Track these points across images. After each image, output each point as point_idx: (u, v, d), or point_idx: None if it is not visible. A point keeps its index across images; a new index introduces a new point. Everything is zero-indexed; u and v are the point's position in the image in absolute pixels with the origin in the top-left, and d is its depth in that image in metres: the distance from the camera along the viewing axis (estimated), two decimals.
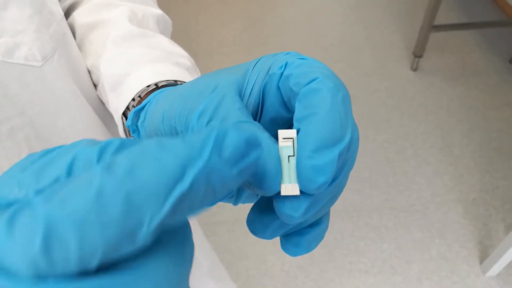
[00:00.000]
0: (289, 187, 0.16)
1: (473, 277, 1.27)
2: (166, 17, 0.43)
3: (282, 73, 0.19)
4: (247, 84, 0.20)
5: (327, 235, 1.36)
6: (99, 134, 0.39)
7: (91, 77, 0.39)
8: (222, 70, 0.21)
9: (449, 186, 1.49)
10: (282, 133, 0.17)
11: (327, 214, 0.20)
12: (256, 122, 0.18)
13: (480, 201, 1.45)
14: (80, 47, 0.39)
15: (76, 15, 0.39)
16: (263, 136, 0.17)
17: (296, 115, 0.18)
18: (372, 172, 1.53)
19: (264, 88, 0.20)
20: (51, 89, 0.33)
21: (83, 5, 0.40)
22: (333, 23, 2.10)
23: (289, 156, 0.17)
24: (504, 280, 1.27)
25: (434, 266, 1.31)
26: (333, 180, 0.17)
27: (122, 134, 0.34)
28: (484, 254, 1.31)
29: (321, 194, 0.17)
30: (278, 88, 0.19)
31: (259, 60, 0.20)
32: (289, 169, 0.17)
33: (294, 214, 0.17)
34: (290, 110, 0.20)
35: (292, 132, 0.17)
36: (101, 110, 0.41)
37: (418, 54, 1.82)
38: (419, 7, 2.13)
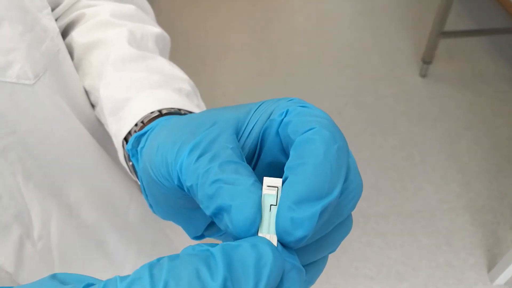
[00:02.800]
0: (267, 237, 0.16)
1: (481, 285, 1.26)
2: (165, 34, 0.43)
3: (283, 120, 0.19)
4: (247, 125, 0.20)
5: None
6: (91, 152, 0.39)
7: (88, 97, 0.39)
8: (225, 108, 0.21)
9: (457, 192, 1.48)
10: (267, 180, 0.17)
11: (316, 265, 0.19)
12: (245, 164, 0.18)
13: (488, 209, 1.43)
14: (77, 67, 0.39)
15: (74, 34, 0.39)
16: (247, 181, 0.17)
17: (287, 164, 0.17)
18: (379, 177, 1.53)
19: (264, 132, 0.19)
20: (42, 108, 0.32)
21: (82, 24, 0.39)
22: (342, 29, 2.11)
23: (271, 205, 0.16)
24: None
25: (441, 273, 1.30)
26: (316, 234, 0.17)
27: (121, 158, 0.34)
28: (492, 262, 1.30)
29: (303, 248, 0.17)
30: (278, 134, 0.19)
31: (262, 103, 0.20)
32: (269, 219, 0.16)
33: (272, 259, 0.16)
34: (288, 157, 0.19)
35: (277, 181, 0.17)
36: (98, 129, 0.40)
37: (427, 60, 1.82)
38: (428, 13, 2.13)
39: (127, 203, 0.44)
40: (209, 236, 0.25)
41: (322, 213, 0.16)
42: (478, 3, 2.28)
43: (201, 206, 0.18)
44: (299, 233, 0.15)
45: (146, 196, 0.25)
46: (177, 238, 0.52)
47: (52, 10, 0.38)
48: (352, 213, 0.20)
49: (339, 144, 0.17)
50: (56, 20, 0.39)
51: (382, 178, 1.53)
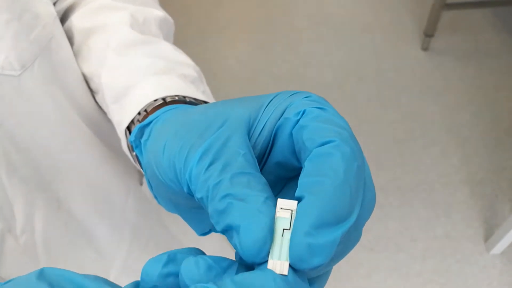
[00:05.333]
0: (278, 264, 0.15)
1: (477, 255, 1.29)
2: (169, 18, 0.41)
3: (298, 120, 0.18)
4: (258, 122, 0.19)
5: None
6: (87, 145, 0.37)
7: (88, 84, 0.37)
8: (234, 101, 0.20)
9: (457, 166, 1.49)
10: (281, 203, 0.16)
11: (322, 278, 0.18)
12: (258, 175, 0.17)
13: (487, 182, 1.45)
14: (77, 52, 0.37)
15: (74, 19, 0.37)
16: (259, 198, 0.16)
17: (302, 178, 0.16)
18: (380, 151, 1.54)
19: (277, 130, 0.18)
20: (31, 99, 0.31)
21: (82, 7, 0.37)
22: (343, 2, 2.07)
23: (284, 229, 0.15)
24: (508, 258, 1.28)
25: (438, 244, 1.32)
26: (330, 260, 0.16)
27: (125, 148, 0.32)
28: (489, 234, 1.32)
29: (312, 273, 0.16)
30: (291, 135, 0.18)
31: (275, 96, 0.19)
32: (281, 244, 0.15)
33: None
34: (299, 160, 0.19)
35: (292, 204, 0.15)
36: (96, 120, 0.39)
37: (429, 33, 1.79)
38: None
39: (124, 198, 0.43)
40: (216, 232, 0.25)
41: (342, 237, 0.15)
42: None
43: (211, 221, 0.17)
44: (316, 261, 0.14)
45: (151, 187, 0.24)
46: (178, 229, 0.51)
47: None
48: None
49: (358, 163, 0.16)
50: (54, 4, 0.37)
51: (383, 151, 1.54)
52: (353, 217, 0.15)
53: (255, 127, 0.18)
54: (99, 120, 0.39)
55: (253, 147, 0.19)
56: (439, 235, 1.34)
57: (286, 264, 0.14)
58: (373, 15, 2.01)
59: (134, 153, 0.30)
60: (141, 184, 0.45)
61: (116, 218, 0.42)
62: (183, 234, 0.52)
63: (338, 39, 1.91)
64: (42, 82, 0.31)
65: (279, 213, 0.15)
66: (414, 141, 1.57)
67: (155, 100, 0.28)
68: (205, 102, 0.29)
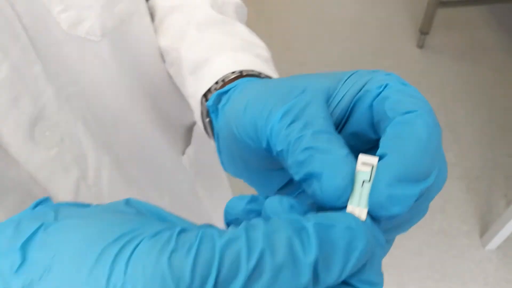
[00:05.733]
0: (356, 210, 0.16)
1: (473, 251, 1.30)
2: (243, 5, 0.43)
3: (380, 93, 0.18)
4: (337, 94, 0.19)
5: None
6: (144, 112, 0.40)
7: (164, 58, 0.40)
8: (313, 74, 0.21)
9: (453, 162, 1.50)
10: (362, 157, 0.16)
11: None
12: (338, 136, 0.18)
13: (483, 178, 1.46)
14: (158, 27, 0.40)
15: None
16: (341, 152, 0.17)
17: (384, 140, 0.17)
18: None
19: (356, 102, 0.19)
20: (105, 64, 0.34)
21: None
22: (339, 0, 2.08)
23: (364, 181, 0.16)
24: (504, 252, 1.29)
25: (434, 240, 1.33)
26: (405, 215, 0.17)
27: (198, 118, 0.34)
28: (485, 229, 1.33)
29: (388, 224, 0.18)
30: (371, 106, 0.19)
31: (354, 73, 0.20)
32: (360, 193, 0.16)
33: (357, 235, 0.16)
34: (376, 131, 0.19)
35: (373, 159, 0.16)
36: (161, 90, 0.41)
37: (424, 31, 1.80)
38: None
39: (168, 165, 0.46)
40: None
41: (419, 194, 0.16)
42: None
43: (290, 171, 0.18)
44: (395, 209, 0.15)
45: (220, 153, 0.25)
46: (211, 204, 0.54)
47: None
48: None
49: (438, 131, 0.17)
50: None
51: None
52: (432, 178, 0.16)
53: (334, 97, 0.19)
54: (162, 92, 0.42)
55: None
56: (435, 231, 1.35)
57: (365, 211, 0.16)
58: (369, 13, 2.02)
59: (207, 119, 0.32)
60: (183, 154, 0.48)
61: (161, 185, 0.45)
62: (213, 210, 0.55)
63: (334, 37, 1.92)
64: (116, 51, 0.35)
65: (360, 167, 0.16)
66: None
67: (233, 73, 0.30)
68: None
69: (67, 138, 0.32)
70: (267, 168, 0.23)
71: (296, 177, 0.17)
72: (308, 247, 0.14)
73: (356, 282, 0.16)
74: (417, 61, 1.83)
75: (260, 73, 0.30)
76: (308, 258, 0.14)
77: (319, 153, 0.17)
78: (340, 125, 0.20)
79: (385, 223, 0.17)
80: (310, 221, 0.15)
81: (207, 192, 0.54)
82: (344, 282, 0.16)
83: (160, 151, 0.44)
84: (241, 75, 0.30)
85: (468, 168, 1.48)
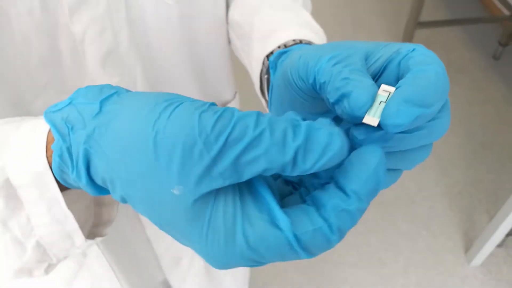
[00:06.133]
0: (371, 119, 0.21)
1: (459, 268, 1.31)
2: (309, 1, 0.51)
3: (407, 54, 0.22)
4: (374, 55, 0.24)
5: None
6: (188, 81, 0.47)
7: (233, 30, 0.46)
8: (356, 41, 0.26)
9: (435, 179, 1.53)
10: (383, 86, 0.22)
11: (393, 173, 0.24)
12: (369, 76, 0.22)
13: (465, 194, 1.48)
14: (231, 2, 0.47)
15: None
16: (369, 81, 0.21)
17: (402, 80, 0.21)
18: None
19: (388, 62, 0.23)
20: (171, 27, 0.41)
21: None
22: (322, 20, 2.12)
23: (381, 102, 0.21)
24: (488, 269, 1.30)
25: (420, 257, 1.34)
26: (412, 131, 0.21)
27: (257, 77, 0.40)
28: (469, 245, 1.35)
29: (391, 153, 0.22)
30: (399, 64, 0.23)
31: (389, 43, 0.24)
32: (377, 108, 0.21)
33: (367, 138, 0.21)
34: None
35: (391, 88, 0.21)
36: (212, 65, 0.49)
37: None
38: (404, 4, 2.16)
39: None
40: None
41: (419, 116, 0.20)
42: None
43: (327, 96, 0.22)
44: (399, 120, 0.20)
45: (271, 104, 0.29)
46: None
47: None
48: None
49: (447, 79, 0.21)
50: None
51: None
52: (432, 110, 0.20)
53: (371, 57, 0.24)
54: (211, 65, 0.49)
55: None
56: (420, 248, 1.36)
57: (377, 120, 0.21)
58: (351, 32, 2.06)
59: (266, 76, 0.39)
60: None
61: None
62: None
63: None
64: (185, 17, 0.42)
65: (380, 92, 0.21)
66: None
67: (293, 40, 0.36)
68: None
69: (127, 75, 0.40)
70: (310, 112, 0.27)
71: (331, 99, 0.22)
72: (296, 137, 0.19)
73: (339, 181, 0.20)
74: None
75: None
76: (294, 144, 0.19)
77: (352, 81, 0.21)
78: (374, 79, 0.24)
79: (391, 129, 0.20)
80: (305, 122, 0.19)
81: None
82: (315, 176, 0.23)
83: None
84: (300, 42, 0.36)
85: (449, 184, 1.51)
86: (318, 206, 0.20)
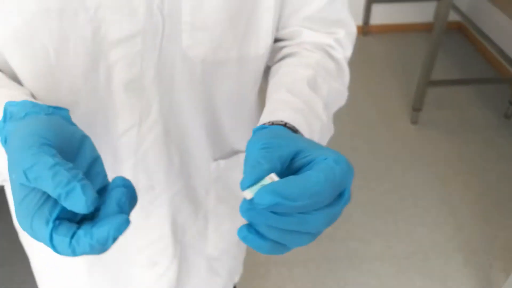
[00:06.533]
0: (248, 192, 0.28)
1: None
2: (343, 91, 0.55)
3: (318, 160, 0.30)
4: (304, 153, 0.32)
5: (330, 281, 1.39)
6: (198, 126, 0.53)
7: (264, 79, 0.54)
8: (301, 138, 0.35)
9: (449, 235, 1.53)
10: (272, 175, 0.29)
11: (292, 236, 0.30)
12: (268, 165, 0.30)
13: (481, 251, 1.48)
14: (273, 61, 0.53)
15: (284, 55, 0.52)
16: (267, 167, 0.30)
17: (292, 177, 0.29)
18: (374, 220, 1.58)
19: (309, 162, 0.31)
20: (193, 79, 0.47)
21: (292, 57, 0.51)
22: None
23: (262, 184, 0.28)
24: None
25: None
26: (280, 214, 0.28)
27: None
28: None
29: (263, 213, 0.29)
30: (311, 165, 0.30)
31: (319, 148, 0.33)
32: (256, 188, 0.28)
33: (242, 207, 0.28)
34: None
35: (275, 178, 0.29)
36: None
37: (416, 108, 1.92)
38: (416, 64, 2.26)
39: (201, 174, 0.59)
40: None
41: (278, 204, 0.27)
42: (462, 55, 2.43)
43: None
44: (259, 199, 0.27)
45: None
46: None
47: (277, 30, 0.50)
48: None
49: (324, 188, 0.28)
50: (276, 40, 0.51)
51: (377, 220, 1.58)
52: (297, 204, 0.27)
53: (302, 153, 0.31)
54: (226, 116, 0.54)
55: (292, 165, 0.32)
56: None
57: (250, 194, 0.28)
58: (365, 92, 2.15)
59: None
60: (214, 161, 0.60)
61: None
62: None
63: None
64: (203, 74, 0.48)
65: (267, 178, 0.29)
66: (406, 210, 1.62)
67: (281, 121, 0.41)
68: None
69: (145, 102, 0.47)
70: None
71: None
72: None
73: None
74: (412, 136, 1.92)
75: (297, 130, 0.40)
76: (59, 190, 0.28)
77: (248, 166, 0.31)
78: (298, 171, 0.31)
79: (262, 214, 0.28)
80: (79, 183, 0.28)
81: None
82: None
83: (194, 157, 0.55)
84: (284, 125, 0.40)
85: (465, 241, 1.51)
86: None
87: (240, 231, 0.29)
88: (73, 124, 0.35)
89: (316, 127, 0.44)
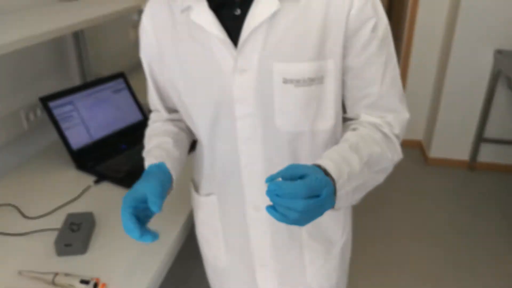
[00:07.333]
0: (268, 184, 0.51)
1: None
2: (394, 139, 0.71)
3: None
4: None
5: None
6: (277, 160, 0.73)
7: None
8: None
9: None
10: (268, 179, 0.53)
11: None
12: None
13: None
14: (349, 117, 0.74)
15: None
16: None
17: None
18: None
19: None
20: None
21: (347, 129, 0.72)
22: None
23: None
24: None
25: None
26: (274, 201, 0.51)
27: None
28: None
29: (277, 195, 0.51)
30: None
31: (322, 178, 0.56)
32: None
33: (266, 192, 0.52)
34: None
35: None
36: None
37: None
38: (473, 120, 2.31)
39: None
40: None
41: (275, 189, 0.51)
42: None
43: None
44: (269, 186, 0.52)
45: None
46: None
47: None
48: None
49: (300, 193, 0.51)
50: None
51: None
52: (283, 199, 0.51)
53: (306, 176, 0.53)
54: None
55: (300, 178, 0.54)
56: None
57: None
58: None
59: None
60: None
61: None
62: None
63: None
64: (287, 138, 0.71)
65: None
66: None
67: (319, 165, 0.59)
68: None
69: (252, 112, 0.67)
70: None
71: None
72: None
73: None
74: None
75: (325, 169, 0.58)
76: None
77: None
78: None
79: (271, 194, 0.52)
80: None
81: None
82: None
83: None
84: (318, 166, 0.59)
85: None
86: None
87: (267, 207, 0.50)
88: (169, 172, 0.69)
89: (345, 171, 0.60)
